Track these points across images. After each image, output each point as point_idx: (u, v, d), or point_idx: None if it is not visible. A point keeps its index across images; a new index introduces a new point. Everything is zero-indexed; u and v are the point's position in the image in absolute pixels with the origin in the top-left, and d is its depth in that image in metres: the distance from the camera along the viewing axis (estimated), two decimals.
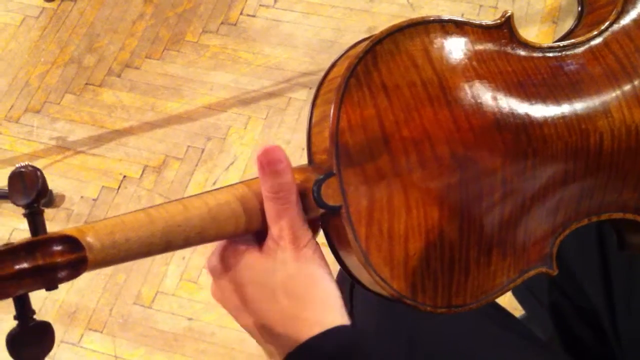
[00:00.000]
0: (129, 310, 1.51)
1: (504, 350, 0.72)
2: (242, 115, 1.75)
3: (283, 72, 1.81)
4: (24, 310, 0.45)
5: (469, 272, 0.52)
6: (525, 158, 0.52)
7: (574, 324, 0.95)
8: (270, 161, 0.49)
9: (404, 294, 0.50)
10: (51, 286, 0.44)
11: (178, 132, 1.74)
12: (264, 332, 0.52)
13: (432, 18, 0.52)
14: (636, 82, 0.55)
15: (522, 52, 0.54)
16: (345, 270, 0.54)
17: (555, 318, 0.97)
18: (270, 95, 1.78)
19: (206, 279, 1.52)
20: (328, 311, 0.50)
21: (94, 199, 1.66)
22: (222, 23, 1.92)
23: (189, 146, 1.72)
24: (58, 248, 0.44)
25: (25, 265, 0.43)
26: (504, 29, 0.54)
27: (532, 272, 0.54)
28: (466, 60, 0.52)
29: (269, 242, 0.52)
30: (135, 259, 0.48)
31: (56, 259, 0.44)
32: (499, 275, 0.53)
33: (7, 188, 0.46)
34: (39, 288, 0.44)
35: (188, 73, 1.84)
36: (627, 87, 0.55)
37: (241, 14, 1.93)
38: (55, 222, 1.63)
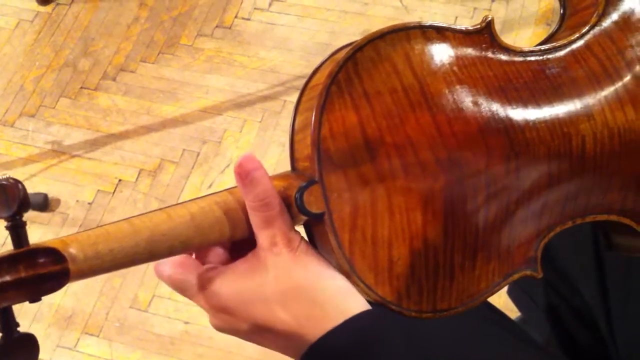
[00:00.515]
0: (125, 314, 1.51)
1: (500, 351, 0.72)
2: (237, 119, 1.75)
3: (278, 75, 1.81)
4: (7, 322, 0.45)
5: (454, 276, 0.52)
6: (508, 162, 0.52)
7: (570, 325, 0.95)
8: (247, 171, 0.50)
9: (389, 299, 0.50)
10: (34, 298, 0.44)
11: (173, 136, 1.74)
12: (285, 340, 0.51)
13: (412, 24, 0.53)
14: (618, 85, 0.55)
15: (503, 57, 0.55)
16: None
17: (552, 319, 0.97)
18: (266, 98, 1.78)
19: None
20: (347, 300, 0.50)
21: (89, 203, 1.66)
22: (217, 26, 1.92)
23: (184, 149, 1.72)
24: (41, 260, 0.44)
25: (7, 278, 0.43)
26: (485, 34, 0.54)
27: (516, 276, 0.54)
28: (447, 66, 0.53)
29: (259, 253, 0.51)
30: (120, 269, 0.48)
31: (39, 271, 0.44)
32: (484, 279, 0.53)
33: None
34: (22, 300, 0.44)
35: (183, 76, 1.84)
36: (609, 90, 0.55)
37: (236, 17, 1.93)
38: (50, 227, 1.63)
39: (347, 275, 0.50)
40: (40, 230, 1.61)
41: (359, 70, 0.51)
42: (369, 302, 0.52)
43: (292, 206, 0.50)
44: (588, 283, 0.82)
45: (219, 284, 0.52)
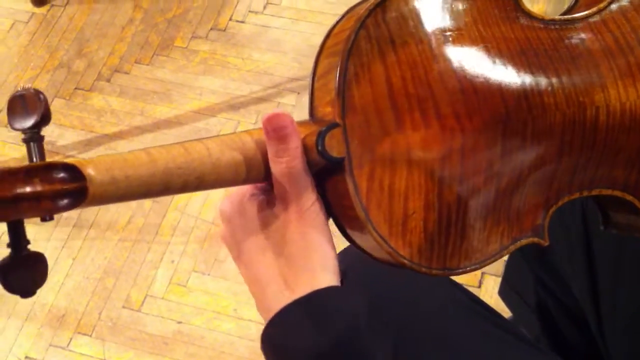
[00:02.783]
0: (118, 314, 1.51)
1: (492, 345, 0.73)
2: (231, 120, 1.76)
3: (272, 77, 1.82)
4: (18, 239, 0.43)
5: (465, 235, 0.52)
6: (525, 126, 0.53)
7: (561, 324, 0.96)
8: (275, 128, 0.49)
9: (401, 253, 0.50)
10: (47, 215, 0.43)
11: (167, 137, 1.75)
12: (256, 287, 0.53)
13: None
14: (631, 61, 0.57)
15: (526, 22, 0.56)
16: (342, 233, 0.54)
17: (542, 319, 0.98)
18: (260, 100, 1.79)
19: (195, 283, 1.53)
20: (320, 276, 0.51)
21: None
22: (211, 29, 1.93)
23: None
24: (59, 175, 0.42)
25: (23, 189, 0.41)
26: None
27: (524, 241, 0.55)
28: (472, 23, 0.53)
29: (271, 198, 0.52)
30: (133, 199, 0.47)
31: (56, 186, 0.42)
32: (493, 241, 0.54)
33: None
34: (35, 215, 0.42)
35: (177, 78, 1.85)
36: (622, 66, 0.56)
37: (230, 19, 1.94)
38: (43, 226, 1.63)
39: (362, 225, 0.50)
40: (33, 230, 1.61)
41: (387, 18, 0.51)
42: (380, 260, 0.53)
43: (312, 152, 0.49)
44: (578, 280, 0.83)
45: (243, 199, 0.53)
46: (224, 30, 1.93)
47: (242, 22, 1.94)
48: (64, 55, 1.92)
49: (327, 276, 0.51)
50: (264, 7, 1.96)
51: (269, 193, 0.53)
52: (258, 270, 0.52)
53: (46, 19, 1.99)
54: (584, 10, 0.59)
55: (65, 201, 0.42)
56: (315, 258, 0.51)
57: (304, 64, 1.81)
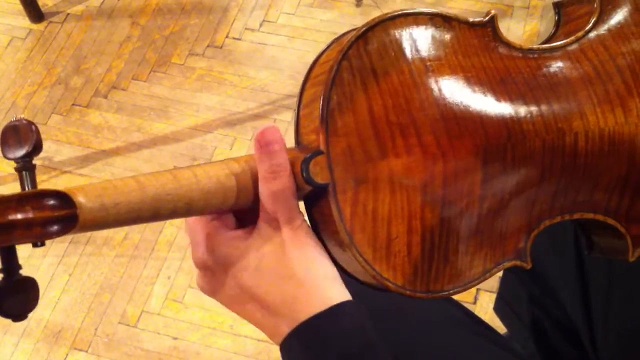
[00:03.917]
0: (114, 330, 1.51)
1: (486, 359, 0.73)
2: (227, 137, 1.77)
3: (268, 94, 1.84)
4: (10, 263, 0.44)
5: (448, 258, 0.53)
6: (504, 152, 0.54)
7: (554, 340, 0.96)
8: (267, 142, 0.51)
9: (385, 276, 0.52)
10: (39, 241, 0.44)
11: (164, 153, 1.76)
12: (266, 315, 0.52)
13: (421, 11, 0.55)
14: (609, 89, 0.58)
15: (504, 51, 0.57)
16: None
17: (536, 334, 0.99)
18: (256, 116, 1.80)
19: (191, 298, 1.53)
20: (330, 288, 0.51)
21: None
22: (208, 46, 1.95)
23: (175, 166, 1.73)
24: (49, 202, 0.43)
25: (15, 217, 0.42)
26: (488, 28, 0.57)
27: (507, 264, 0.56)
28: (452, 53, 0.55)
29: (261, 225, 0.52)
30: (123, 225, 0.48)
31: (47, 213, 0.43)
32: (476, 265, 0.55)
33: None
34: (27, 241, 0.44)
35: (174, 95, 1.86)
36: (600, 93, 0.58)
37: (227, 37, 1.96)
38: None
39: (346, 248, 0.51)
40: (28, 246, 1.61)
41: (369, 49, 0.53)
42: (364, 283, 0.53)
43: (297, 177, 0.51)
44: (571, 297, 0.84)
45: (218, 242, 0.53)
46: (221, 47, 1.94)
47: (239, 39, 1.95)
48: (62, 72, 1.93)
49: (336, 289, 0.52)
50: (260, 25, 1.97)
51: (238, 227, 0.54)
52: (263, 303, 0.52)
53: (44, 36, 2.01)
54: (563, 39, 0.60)
55: (56, 227, 0.44)
56: (321, 271, 0.52)
57: (299, 81, 1.81)
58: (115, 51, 1.96)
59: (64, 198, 0.44)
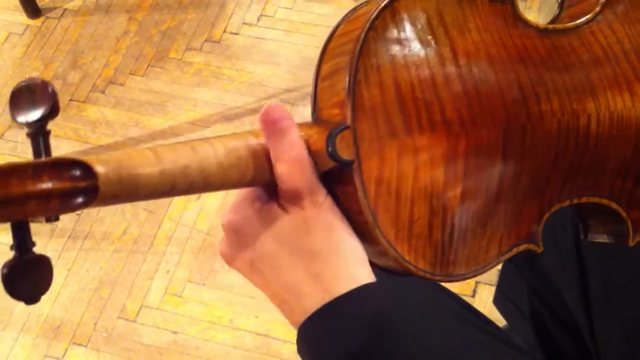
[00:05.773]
0: (113, 324, 1.51)
1: (486, 354, 0.73)
2: (225, 131, 1.77)
3: (266, 88, 1.84)
4: (23, 240, 0.40)
5: (466, 242, 0.53)
6: (524, 132, 0.54)
7: (554, 334, 0.96)
8: (273, 120, 0.48)
9: (407, 258, 0.50)
10: (55, 215, 0.40)
11: None
12: (286, 291, 0.50)
13: None
14: (617, 71, 0.58)
15: (523, 29, 0.56)
16: None
17: (536, 327, 0.99)
18: (253, 111, 1.80)
19: (191, 293, 1.54)
20: (358, 266, 0.50)
21: (77, 214, 1.67)
22: (205, 41, 1.94)
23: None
24: (69, 173, 0.39)
25: (33, 187, 0.38)
26: (507, 5, 0.56)
27: (521, 247, 0.56)
28: (475, 29, 0.54)
29: (282, 203, 0.50)
30: (138, 200, 0.44)
31: (67, 184, 0.39)
32: (492, 248, 0.54)
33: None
34: (41, 215, 0.39)
35: (172, 89, 1.86)
36: (610, 76, 0.58)
37: (224, 31, 1.96)
38: (39, 237, 1.62)
39: (369, 229, 0.49)
40: None
41: (397, 20, 0.51)
42: (382, 267, 0.52)
43: (319, 154, 0.48)
44: (570, 290, 0.84)
45: (249, 206, 0.51)
46: (218, 42, 1.94)
47: (236, 34, 1.95)
48: (59, 67, 1.93)
49: (362, 270, 0.50)
50: (258, 20, 1.97)
51: (272, 198, 0.51)
52: (285, 276, 0.50)
53: (41, 31, 2.00)
54: (568, 22, 0.60)
55: (77, 200, 0.40)
56: (347, 250, 0.49)
57: (297, 76, 1.83)
58: (112, 46, 1.96)
59: (84, 168, 0.40)
